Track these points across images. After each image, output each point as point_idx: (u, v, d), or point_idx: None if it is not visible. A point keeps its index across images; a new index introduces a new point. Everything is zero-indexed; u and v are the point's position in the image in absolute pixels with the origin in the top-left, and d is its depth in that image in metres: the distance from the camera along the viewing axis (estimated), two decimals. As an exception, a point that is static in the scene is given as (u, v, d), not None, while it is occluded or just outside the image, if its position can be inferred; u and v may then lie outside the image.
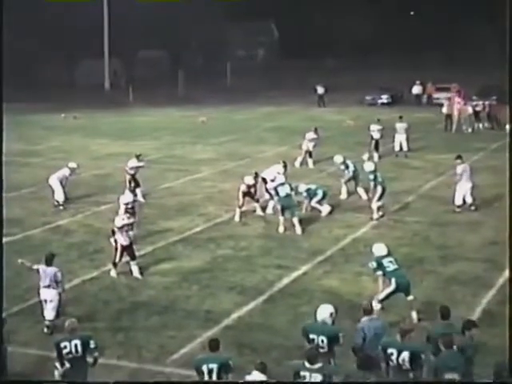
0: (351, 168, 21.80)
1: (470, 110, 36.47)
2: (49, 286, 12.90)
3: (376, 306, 12.43)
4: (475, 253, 16.69)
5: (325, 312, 10.40)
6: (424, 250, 16.95)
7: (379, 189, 19.42)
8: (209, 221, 19.70)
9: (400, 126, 29.66)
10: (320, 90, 51.11)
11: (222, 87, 60.87)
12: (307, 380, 9.15)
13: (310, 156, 27.34)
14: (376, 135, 28.76)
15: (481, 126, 36.50)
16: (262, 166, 27.35)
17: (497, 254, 15.81)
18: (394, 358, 9.51)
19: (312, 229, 18.88)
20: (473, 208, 20.02)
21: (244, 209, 19.90)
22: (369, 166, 20.12)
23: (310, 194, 20.02)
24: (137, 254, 16.32)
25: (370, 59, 63.86)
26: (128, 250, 15.39)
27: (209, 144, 33.59)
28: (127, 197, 18.30)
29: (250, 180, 19.96)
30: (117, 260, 15.41)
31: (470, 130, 35.37)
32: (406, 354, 9.44)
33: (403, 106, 47.71)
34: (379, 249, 13.25)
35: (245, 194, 19.77)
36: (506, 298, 13.23)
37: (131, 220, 16.19)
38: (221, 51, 68.50)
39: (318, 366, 9.19)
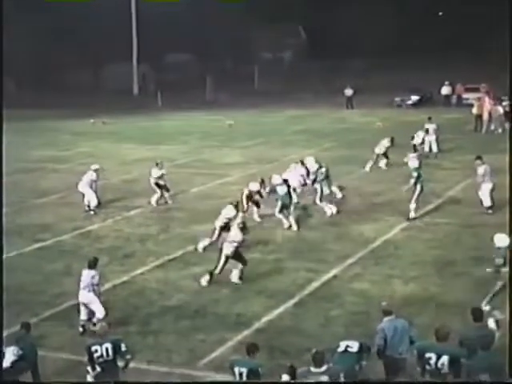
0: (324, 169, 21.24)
1: (500, 110, 36.06)
2: (85, 289, 12.95)
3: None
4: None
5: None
6: (455, 252, 16.76)
7: (418, 188, 19.20)
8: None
9: (429, 127, 29.45)
10: (348, 91, 50.88)
11: (250, 90, 60.87)
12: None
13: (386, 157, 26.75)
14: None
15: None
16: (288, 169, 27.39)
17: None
18: (432, 362, 9.43)
19: (342, 231, 18.79)
20: (490, 211, 19.69)
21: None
22: (413, 163, 19.92)
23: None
24: (167, 257, 16.38)
25: (399, 60, 63.41)
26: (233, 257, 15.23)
27: (236, 148, 33.61)
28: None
29: (254, 186, 19.96)
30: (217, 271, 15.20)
31: (500, 130, 34.94)
32: (445, 358, 9.35)
33: (432, 107, 47.38)
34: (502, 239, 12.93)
35: (248, 199, 19.74)
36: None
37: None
38: (248, 54, 68.49)
39: (324, 368, 9.19)
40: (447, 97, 50.04)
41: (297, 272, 15.81)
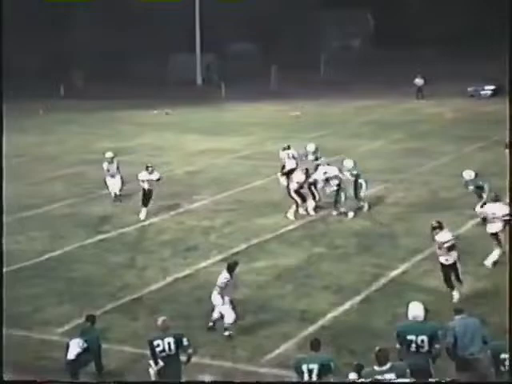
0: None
1: None
2: (216, 290, 12.55)
3: None
4: None
5: (418, 309, 9.92)
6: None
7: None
8: (303, 218, 19.30)
9: None
10: (418, 81, 49.69)
11: (316, 80, 60.23)
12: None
13: None
14: None
15: None
16: (357, 161, 26.82)
17: None
18: (507, 363, 9.10)
19: (410, 226, 18.26)
20: None
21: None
22: None
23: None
24: (231, 251, 16.17)
25: (472, 48, 61.80)
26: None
27: (303, 139, 33.12)
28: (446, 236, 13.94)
29: (300, 177, 19.48)
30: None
31: None
32: None
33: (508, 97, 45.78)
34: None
35: (297, 192, 19.30)
36: None
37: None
38: (314, 43, 67.80)
39: (388, 366, 8.98)
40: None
41: (364, 267, 15.41)
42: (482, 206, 16.03)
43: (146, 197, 19.56)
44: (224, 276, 12.51)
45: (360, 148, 29.66)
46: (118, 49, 61.31)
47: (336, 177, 19.07)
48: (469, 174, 18.40)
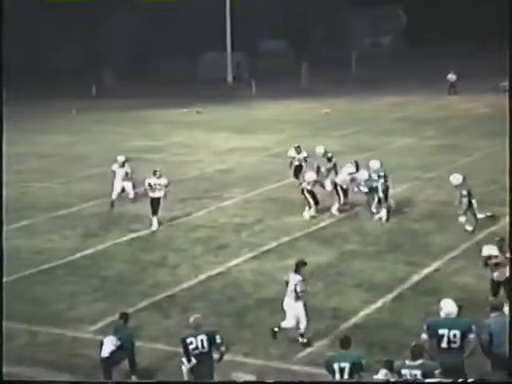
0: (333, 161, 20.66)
1: None
2: (288, 294, 12.15)
3: None
4: None
5: (451, 306, 9.81)
6: None
7: None
8: (333, 216, 19.23)
9: None
10: (451, 77, 49.24)
11: (347, 77, 59.94)
12: (408, 378, 8.89)
13: None
14: None
15: None
16: (389, 158, 26.72)
17: None
18: None
19: (443, 223, 18.10)
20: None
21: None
22: None
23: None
24: (262, 249, 16.15)
25: (505, 42, 60.98)
26: None
27: (334, 136, 33.04)
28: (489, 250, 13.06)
29: (312, 176, 19.32)
30: None
31: None
32: None
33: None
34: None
35: (310, 192, 19.07)
36: None
37: None
38: (345, 40, 67.40)
39: (419, 362, 8.93)
40: None
41: (396, 265, 15.31)
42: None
43: (155, 205, 18.47)
44: (295, 278, 11.91)
45: (393, 145, 29.50)
46: (148, 48, 61.61)
47: (366, 181, 18.73)
48: (456, 178, 17.45)
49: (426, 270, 14.94)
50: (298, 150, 22.30)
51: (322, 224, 18.60)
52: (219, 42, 59.79)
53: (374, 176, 18.64)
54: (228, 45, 60.21)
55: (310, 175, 19.44)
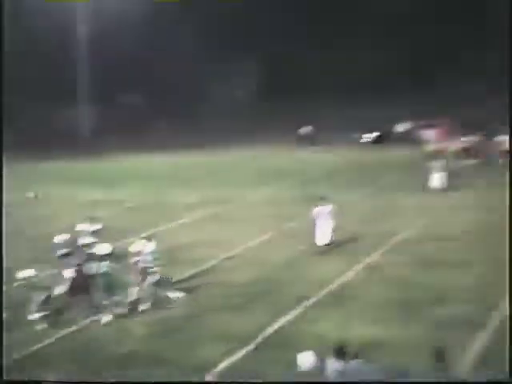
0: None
1: (458, 145, 36.46)
2: None
3: None
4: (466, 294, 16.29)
5: (307, 359, 10.01)
6: (414, 292, 16.50)
7: None
8: (196, 267, 19.30)
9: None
10: (307, 130, 51.18)
11: (203, 129, 60.25)
12: None
13: None
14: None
15: (470, 161, 36.46)
16: (247, 210, 27.29)
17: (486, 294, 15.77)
18: None
19: (299, 273, 18.52)
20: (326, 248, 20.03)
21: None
22: None
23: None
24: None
25: (358, 97, 63.86)
26: None
27: (190, 188, 33.24)
28: None
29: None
30: None
31: (459, 165, 35.00)
32: None
33: (392, 144, 47.93)
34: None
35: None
36: (502, 337, 13.05)
37: None
38: (201, 95, 68.02)
39: None
40: (406, 133, 50.48)
41: (255, 315, 15.42)
42: None
43: None
44: None
45: (251, 197, 30.17)
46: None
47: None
48: None
49: (284, 320, 15.10)
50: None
51: (186, 274, 18.61)
52: (75, 96, 59.25)
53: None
54: (83, 98, 59.73)
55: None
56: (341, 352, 10.24)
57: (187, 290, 17.22)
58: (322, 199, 20.72)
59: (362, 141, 50.61)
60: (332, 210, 20.48)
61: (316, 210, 20.42)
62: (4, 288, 15.60)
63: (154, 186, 34.09)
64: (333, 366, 9.96)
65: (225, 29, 66.17)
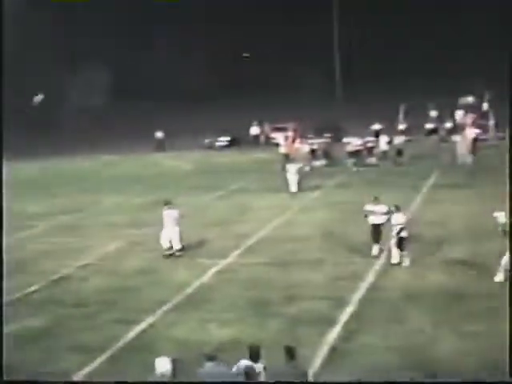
0: None
1: (306, 148, 37.50)
2: None
3: None
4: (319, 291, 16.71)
5: (163, 364, 9.97)
6: (269, 292, 16.76)
7: None
8: (44, 279, 18.76)
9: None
10: (159, 135, 51.09)
11: (54, 137, 58.92)
12: None
13: None
14: None
15: (318, 163, 37.66)
16: (99, 217, 26.86)
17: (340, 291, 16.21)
18: None
19: (156, 278, 18.41)
20: (178, 253, 20.24)
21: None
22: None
23: None
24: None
25: (209, 102, 64.42)
26: None
27: (40, 197, 32.37)
28: None
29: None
30: None
31: (307, 168, 35.95)
32: None
33: (242, 147, 48.64)
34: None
35: None
36: (351, 335, 13.52)
37: None
38: (52, 99, 66.42)
39: None
40: (256, 137, 51.38)
41: (109, 324, 15.16)
42: None
43: None
44: None
45: (103, 204, 29.74)
46: None
47: None
48: None
49: (140, 327, 14.97)
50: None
51: (33, 288, 18.02)
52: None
53: None
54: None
55: None
56: (212, 356, 10.36)
57: (39, 302, 16.71)
58: (169, 203, 20.63)
59: (217, 144, 51.13)
60: (180, 213, 20.48)
61: (164, 214, 20.35)
62: None
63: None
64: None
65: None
